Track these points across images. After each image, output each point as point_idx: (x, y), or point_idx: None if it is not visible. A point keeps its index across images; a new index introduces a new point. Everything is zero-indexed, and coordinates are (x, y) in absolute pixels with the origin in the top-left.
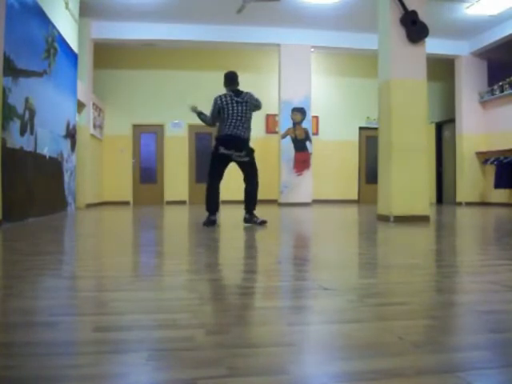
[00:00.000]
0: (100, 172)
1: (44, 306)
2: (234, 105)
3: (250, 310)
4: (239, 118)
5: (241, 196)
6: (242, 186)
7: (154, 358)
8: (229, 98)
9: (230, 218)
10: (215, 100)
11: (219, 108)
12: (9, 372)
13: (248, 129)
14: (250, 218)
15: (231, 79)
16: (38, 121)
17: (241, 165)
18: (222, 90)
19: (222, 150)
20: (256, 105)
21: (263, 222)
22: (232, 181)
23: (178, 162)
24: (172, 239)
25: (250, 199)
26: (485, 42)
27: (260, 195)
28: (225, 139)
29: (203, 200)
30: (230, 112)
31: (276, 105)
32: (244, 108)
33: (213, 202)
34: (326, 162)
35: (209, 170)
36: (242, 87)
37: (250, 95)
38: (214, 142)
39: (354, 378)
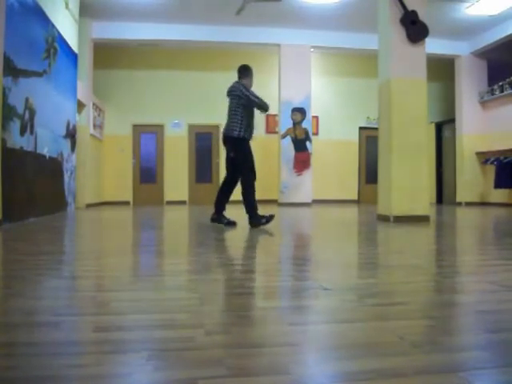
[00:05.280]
0: (100, 172)
1: (44, 306)
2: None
3: (250, 310)
4: (228, 114)
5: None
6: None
7: (155, 358)
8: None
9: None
10: None
11: None
12: (9, 372)
13: (230, 124)
14: (250, 222)
15: (240, 72)
16: (38, 121)
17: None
18: (222, 90)
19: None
20: (239, 95)
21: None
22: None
23: (178, 161)
24: (172, 239)
25: (243, 200)
26: (485, 41)
27: (260, 195)
28: None
29: (203, 200)
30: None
31: (276, 105)
32: (229, 101)
33: (216, 199)
34: (326, 162)
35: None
36: None
37: (234, 86)
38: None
39: (354, 377)
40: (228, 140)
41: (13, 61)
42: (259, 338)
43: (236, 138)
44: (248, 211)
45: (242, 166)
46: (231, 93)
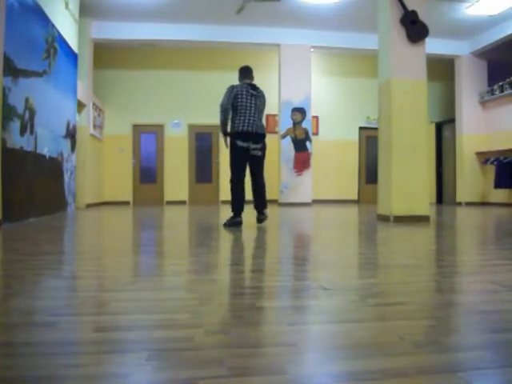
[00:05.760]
0: (100, 172)
1: (44, 305)
2: (249, 97)
3: (250, 309)
4: (255, 112)
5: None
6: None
7: (154, 358)
8: (244, 89)
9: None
10: (230, 87)
11: (235, 95)
12: (7, 372)
13: (260, 122)
14: (263, 217)
15: (246, 72)
16: (38, 121)
17: (252, 159)
18: (222, 90)
19: (240, 142)
20: (264, 104)
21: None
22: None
23: (177, 161)
24: (172, 239)
25: (260, 197)
26: (485, 41)
27: None
28: (241, 134)
29: (203, 200)
30: (245, 104)
31: (276, 105)
32: (258, 103)
33: (238, 203)
34: (325, 162)
35: (231, 168)
36: None
37: (263, 94)
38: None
39: (355, 377)
40: (261, 138)
41: (13, 61)
42: (259, 338)
43: (265, 135)
44: (264, 206)
45: (263, 164)
46: (263, 97)
